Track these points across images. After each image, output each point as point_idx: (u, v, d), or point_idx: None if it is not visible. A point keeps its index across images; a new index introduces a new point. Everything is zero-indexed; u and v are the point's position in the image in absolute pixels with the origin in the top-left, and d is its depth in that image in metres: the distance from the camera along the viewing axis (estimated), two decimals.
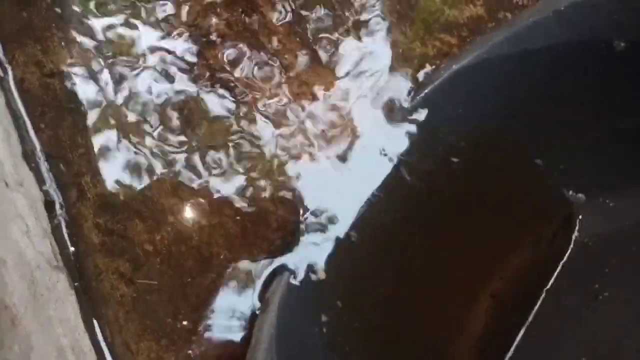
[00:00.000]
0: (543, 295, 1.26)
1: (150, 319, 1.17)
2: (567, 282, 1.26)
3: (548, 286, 1.26)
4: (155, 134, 1.20)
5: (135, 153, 1.20)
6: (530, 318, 1.25)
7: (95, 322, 1.16)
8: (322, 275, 1.17)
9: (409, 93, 1.22)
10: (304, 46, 1.23)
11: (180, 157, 1.20)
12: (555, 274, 1.27)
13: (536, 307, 1.25)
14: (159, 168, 1.19)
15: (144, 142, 1.20)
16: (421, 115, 1.21)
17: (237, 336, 1.17)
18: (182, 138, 1.21)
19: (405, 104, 1.21)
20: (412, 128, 1.21)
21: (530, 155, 1.26)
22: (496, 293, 1.27)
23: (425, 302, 1.24)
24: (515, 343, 1.24)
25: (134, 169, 1.19)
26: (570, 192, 1.28)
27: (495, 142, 1.24)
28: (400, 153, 1.21)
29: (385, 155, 1.21)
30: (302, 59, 1.22)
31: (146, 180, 1.19)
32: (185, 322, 1.17)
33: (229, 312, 1.18)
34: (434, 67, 1.22)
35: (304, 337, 1.16)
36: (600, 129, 1.26)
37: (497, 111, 1.24)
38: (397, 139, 1.21)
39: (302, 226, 1.19)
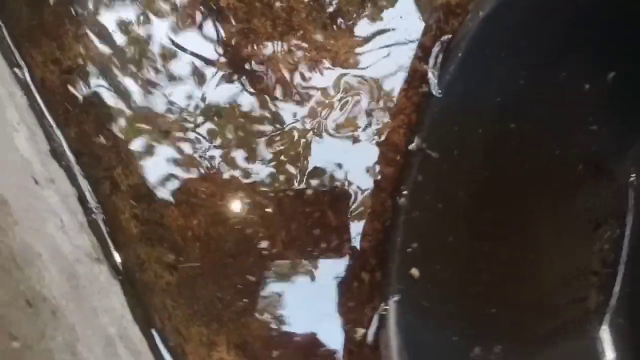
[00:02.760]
0: None
1: (198, 303, 1.18)
2: None
3: None
4: (178, 119, 1.20)
5: (162, 141, 1.20)
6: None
7: (143, 310, 1.17)
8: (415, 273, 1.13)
9: (437, 58, 1.16)
10: (327, 20, 1.20)
11: (205, 141, 1.20)
12: None
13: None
14: (186, 153, 1.19)
15: (170, 129, 1.20)
16: (460, 81, 1.12)
17: (284, 317, 1.17)
18: (209, 125, 1.20)
19: (438, 71, 1.15)
20: (451, 97, 1.13)
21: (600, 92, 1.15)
22: (597, 270, 1.21)
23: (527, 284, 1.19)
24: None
25: (162, 156, 1.20)
26: None
27: (555, 85, 1.13)
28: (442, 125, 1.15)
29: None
30: (325, 33, 1.20)
31: (176, 166, 1.19)
32: (231, 304, 1.17)
33: (270, 290, 1.18)
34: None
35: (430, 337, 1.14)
36: None
37: (550, 46, 1.12)
38: (435, 111, 1.15)
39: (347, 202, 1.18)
